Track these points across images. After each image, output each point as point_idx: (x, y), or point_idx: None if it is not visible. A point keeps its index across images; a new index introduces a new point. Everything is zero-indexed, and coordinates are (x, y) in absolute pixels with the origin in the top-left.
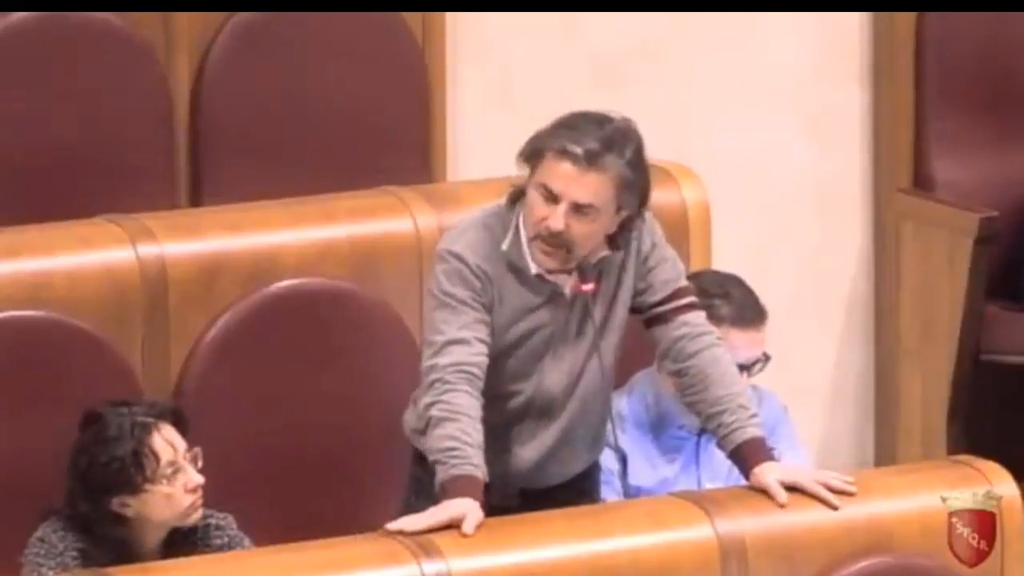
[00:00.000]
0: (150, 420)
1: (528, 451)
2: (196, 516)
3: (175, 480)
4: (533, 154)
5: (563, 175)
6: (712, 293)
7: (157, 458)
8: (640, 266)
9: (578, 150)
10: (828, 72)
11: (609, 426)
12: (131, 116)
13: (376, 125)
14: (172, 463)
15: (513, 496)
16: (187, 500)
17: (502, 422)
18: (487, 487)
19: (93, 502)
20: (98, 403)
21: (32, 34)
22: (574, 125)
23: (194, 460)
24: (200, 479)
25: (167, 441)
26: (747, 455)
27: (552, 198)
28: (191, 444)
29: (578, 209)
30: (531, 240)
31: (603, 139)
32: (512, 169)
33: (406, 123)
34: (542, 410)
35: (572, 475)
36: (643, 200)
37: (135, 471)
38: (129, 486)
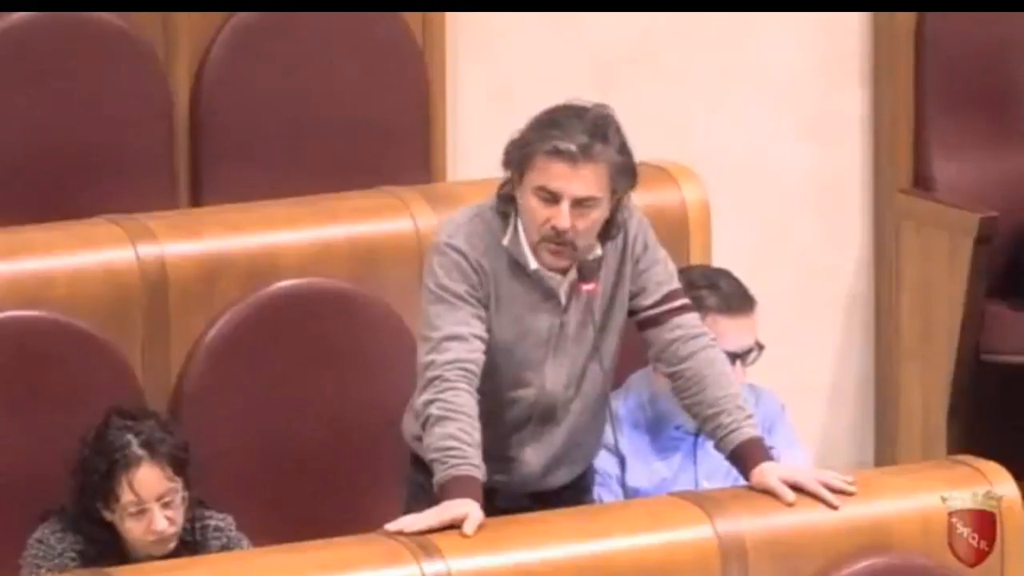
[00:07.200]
0: (142, 454)
1: (536, 455)
2: (164, 550)
3: (140, 518)
4: (521, 159)
5: (559, 174)
6: (699, 285)
7: (121, 496)
8: (633, 268)
9: (571, 146)
10: (828, 72)
11: (609, 428)
12: (131, 116)
13: (376, 125)
14: (137, 504)
15: (523, 499)
16: (150, 538)
17: (508, 427)
18: (496, 492)
19: (85, 502)
20: (117, 409)
21: (32, 34)
22: (556, 122)
23: (169, 505)
24: (162, 526)
25: (143, 482)
26: (746, 455)
27: (552, 198)
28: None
29: (580, 203)
30: (537, 244)
31: (589, 130)
32: None
33: (406, 123)
34: (546, 414)
35: (576, 475)
36: (634, 179)
37: (108, 491)
38: (105, 498)
